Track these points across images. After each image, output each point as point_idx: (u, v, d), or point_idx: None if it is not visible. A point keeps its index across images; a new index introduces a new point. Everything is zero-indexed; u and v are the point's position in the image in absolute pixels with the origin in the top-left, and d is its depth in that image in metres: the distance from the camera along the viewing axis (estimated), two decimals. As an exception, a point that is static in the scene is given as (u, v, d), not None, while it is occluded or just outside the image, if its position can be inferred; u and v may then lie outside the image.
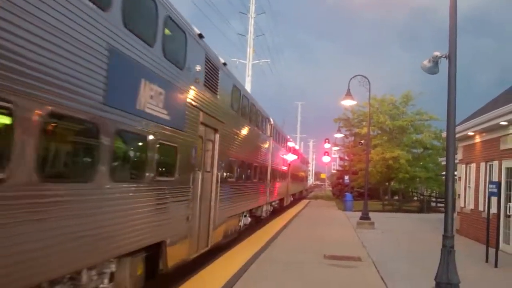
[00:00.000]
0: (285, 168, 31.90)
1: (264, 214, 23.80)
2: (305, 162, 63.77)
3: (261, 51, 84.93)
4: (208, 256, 13.73)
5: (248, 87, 39.15)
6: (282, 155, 30.32)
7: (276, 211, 29.37)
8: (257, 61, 46.69)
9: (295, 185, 43.32)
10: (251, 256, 13.26)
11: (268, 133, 23.22)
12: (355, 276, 11.51)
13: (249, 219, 19.69)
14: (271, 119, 24.03)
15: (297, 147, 49.39)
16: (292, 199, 40.50)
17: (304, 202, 48.66)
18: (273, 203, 27.70)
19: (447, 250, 8.26)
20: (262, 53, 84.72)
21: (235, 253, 13.81)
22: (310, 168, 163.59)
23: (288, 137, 36.76)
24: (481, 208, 17.86)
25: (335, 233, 20.37)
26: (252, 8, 44.75)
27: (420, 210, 36.72)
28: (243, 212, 18.10)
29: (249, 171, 18.85)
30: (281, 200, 31.88)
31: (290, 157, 34.12)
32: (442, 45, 9.37)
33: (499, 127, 16.33)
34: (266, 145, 23.10)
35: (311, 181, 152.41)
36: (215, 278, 10.31)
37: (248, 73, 43.91)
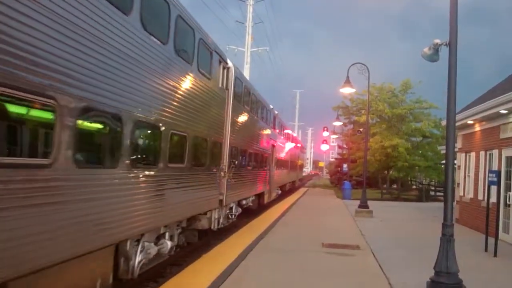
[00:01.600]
0: (266, 151, 24.26)
1: (212, 226, 14.09)
2: (298, 147, 52.00)
3: (260, 38, 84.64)
4: (207, 242, 13.72)
5: (246, 74, 38.96)
6: (259, 132, 22.42)
7: (250, 213, 21.29)
8: (256, 49, 46.54)
9: (284, 174, 35.64)
10: (249, 244, 13.24)
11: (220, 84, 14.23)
12: (353, 264, 11.49)
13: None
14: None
15: (289, 130, 42.37)
16: (279, 192, 33.27)
17: (301, 190, 48.68)
18: (242, 202, 18.69)
19: (447, 239, 8.19)
20: (260, 41, 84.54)
21: (231, 242, 13.78)
22: (307, 156, 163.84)
23: (272, 107, 27.29)
24: (480, 197, 17.81)
25: (333, 222, 20.36)
26: (251, -5, 44.47)
27: (419, 199, 36.75)
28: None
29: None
30: (260, 195, 23.70)
31: (273, 137, 27.11)
32: (440, 35, 9.25)
33: (499, 116, 16.24)
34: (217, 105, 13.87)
35: (309, 169, 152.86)
36: (212, 266, 10.27)
37: (246, 60, 43.74)
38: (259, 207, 23.63)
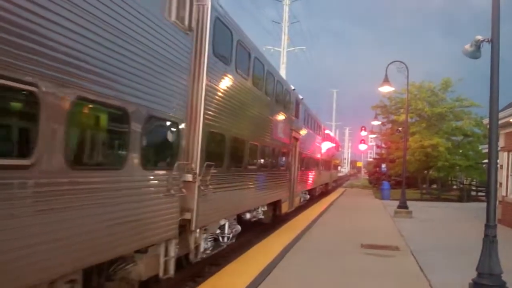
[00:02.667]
0: (284, 145, 18.68)
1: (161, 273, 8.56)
2: (332, 143, 44.32)
3: (296, 38, 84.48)
4: (243, 243, 13.76)
5: (283, 74, 38.95)
6: (271, 117, 16.52)
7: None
8: (292, 48, 46.52)
9: (313, 176, 29.47)
10: (287, 244, 13.24)
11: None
12: (393, 265, 11.37)
13: None
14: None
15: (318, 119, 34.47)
16: (307, 197, 27.47)
17: (339, 191, 48.37)
18: (244, 215, 14.00)
19: (490, 240, 8.03)
20: (297, 40, 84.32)
21: (270, 242, 13.79)
22: (345, 156, 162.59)
23: (294, 88, 21.14)
24: (523, 197, 17.41)
25: (372, 222, 20.18)
26: (287, -6, 44.47)
27: (459, 199, 36.06)
28: None
29: None
30: (276, 204, 18.17)
31: (295, 128, 21.30)
32: (482, 31, 9.08)
33: (543, 114, 15.83)
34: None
35: (347, 169, 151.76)
36: (249, 266, 10.30)
37: (282, 60, 43.78)
38: (274, 219, 18.44)
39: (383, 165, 46.46)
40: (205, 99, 9.69)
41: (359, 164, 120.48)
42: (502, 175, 20.76)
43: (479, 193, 39.10)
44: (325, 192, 39.12)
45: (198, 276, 10.88)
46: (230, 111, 11.35)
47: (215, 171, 10.03)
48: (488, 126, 8.85)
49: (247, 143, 13.09)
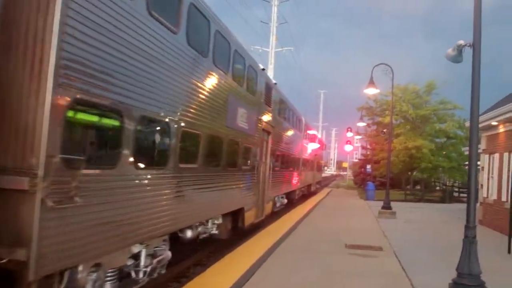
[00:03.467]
0: (247, 137, 14.53)
1: None
2: (315, 141, 38.95)
3: (284, 39, 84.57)
4: (228, 244, 13.83)
5: (271, 75, 39.04)
6: (224, 96, 11.84)
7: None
8: (280, 49, 46.58)
9: (291, 177, 25.71)
10: (272, 245, 13.32)
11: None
12: (376, 265, 11.50)
13: None
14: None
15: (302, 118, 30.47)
16: (284, 201, 23.86)
17: (325, 191, 48.55)
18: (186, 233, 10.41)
19: (469, 241, 8.20)
20: (285, 41, 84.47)
21: (254, 242, 13.87)
22: (331, 157, 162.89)
23: (263, 68, 17.87)
24: (504, 198, 17.67)
25: (356, 223, 20.34)
26: (275, -5, 44.54)
27: (442, 200, 36.44)
28: None
29: None
30: (237, 214, 14.33)
31: (266, 119, 17.34)
32: (467, 35, 9.24)
33: (524, 117, 16.09)
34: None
35: (333, 169, 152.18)
36: (234, 266, 10.38)
37: (270, 61, 43.84)
38: (236, 232, 14.82)
39: (368, 166, 46.72)
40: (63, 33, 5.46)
41: (345, 164, 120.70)
42: (483, 177, 21.06)
43: (461, 194, 39.51)
44: (307, 195, 35.44)
45: (182, 277, 10.94)
46: (127, 65, 6.92)
47: (96, 171, 6.36)
48: (469, 129, 9.03)
49: (176, 128, 8.87)
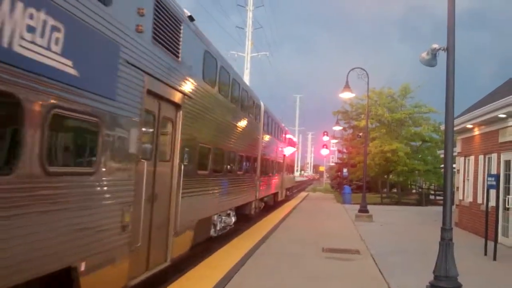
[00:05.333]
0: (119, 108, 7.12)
1: None
2: (280, 136, 31.50)
3: (260, 44, 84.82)
4: (206, 249, 13.72)
5: (246, 79, 39.07)
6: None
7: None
8: (256, 54, 46.68)
9: (239, 185, 17.93)
10: (249, 249, 13.26)
11: None
12: (353, 269, 11.51)
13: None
14: None
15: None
16: (232, 221, 16.66)
17: (302, 195, 48.61)
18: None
19: (446, 243, 8.23)
20: (261, 46, 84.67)
21: (232, 246, 13.79)
22: (307, 161, 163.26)
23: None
24: (479, 200, 17.85)
25: (333, 226, 20.37)
26: (251, 0, 44.65)
27: (419, 203, 36.77)
28: None
29: None
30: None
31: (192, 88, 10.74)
32: (442, 39, 9.32)
33: (498, 120, 16.28)
34: None
35: (309, 172, 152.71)
36: (212, 271, 10.29)
37: (246, 66, 43.93)
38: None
39: (345, 170, 46.95)
40: None
41: (322, 168, 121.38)
42: (458, 180, 21.26)
43: (438, 197, 39.92)
44: (272, 206, 28.57)
45: (160, 282, 10.79)
46: None
47: None
48: (444, 132, 9.08)
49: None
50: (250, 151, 19.90)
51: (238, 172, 17.38)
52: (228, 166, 15.69)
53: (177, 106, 9.92)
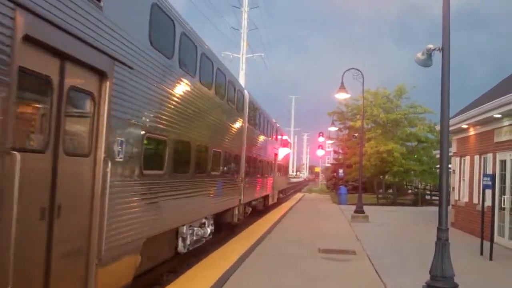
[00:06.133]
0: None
1: None
2: (271, 134, 29.22)
3: (255, 45, 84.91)
4: (202, 249, 13.71)
5: (242, 80, 39.07)
6: None
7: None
8: (251, 55, 46.71)
9: (218, 189, 15.12)
10: (246, 250, 13.24)
11: None
12: (350, 269, 11.51)
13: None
14: None
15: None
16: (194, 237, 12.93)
17: (298, 196, 48.61)
18: None
19: (442, 243, 8.23)
20: (256, 47, 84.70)
21: (229, 247, 13.77)
22: (303, 162, 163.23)
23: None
24: (475, 201, 17.87)
25: (329, 227, 20.36)
26: (246, 1, 44.67)
27: (414, 203, 36.83)
28: None
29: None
30: None
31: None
32: (436, 40, 9.33)
33: (493, 120, 16.31)
34: None
35: (305, 174, 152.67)
36: (209, 273, 10.26)
37: (242, 67, 43.92)
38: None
39: (340, 170, 46.97)
40: None
41: (317, 169, 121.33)
42: (454, 180, 21.28)
43: (433, 197, 39.97)
44: (263, 210, 26.60)
45: (154, 284, 10.79)
46: None
47: None
48: (439, 132, 9.09)
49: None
50: (230, 147, 16.58)
51: (214, 173, 14.22)
52: (199, 165, 12.48)
53: (101, 75, 7.00)
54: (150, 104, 8.93)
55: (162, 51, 9.38)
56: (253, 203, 23.43)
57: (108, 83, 7.04)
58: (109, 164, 7.06)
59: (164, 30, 9.89)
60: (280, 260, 12.19)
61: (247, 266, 11.24)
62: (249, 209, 22.41)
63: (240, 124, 18.31)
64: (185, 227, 11.66)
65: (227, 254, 12.63)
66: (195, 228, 12.64)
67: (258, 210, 25.24)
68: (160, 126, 9.46)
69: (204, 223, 13.56)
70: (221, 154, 15.12)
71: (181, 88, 10.73)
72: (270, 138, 28.27)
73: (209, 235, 13.77)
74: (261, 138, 24.69)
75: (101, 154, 6.99)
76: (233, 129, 17.15)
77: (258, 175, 23.94)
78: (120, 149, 7.56)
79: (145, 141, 8.67)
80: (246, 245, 14.12)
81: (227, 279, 9.80)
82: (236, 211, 18.45)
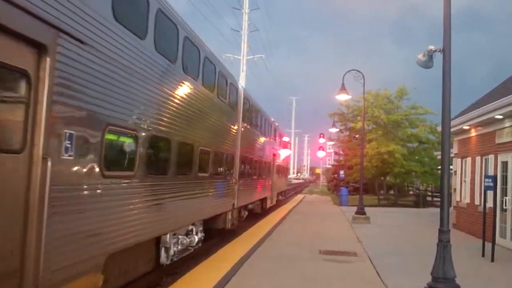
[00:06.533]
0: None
1: None
2: (268, 130, 27.17)
3: (256, 46, 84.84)
4: (203, 250, 13.68)
5: (242, 82, 39.07)
6: None
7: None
8: (252, 57, 46.74)
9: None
10: (247, 251, 13.22)
11: None
12: (351, 271, 11.47)
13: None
14: None
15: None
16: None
17: (299, 197, 48.56)
18: None
19: (443, 245, 8.20)
20: (256, 49, 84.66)
21: (229, 249, 13.74)
22: (304, 163, 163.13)
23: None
24: (477, 202, 17.83)
25: (330, 228, 20.34)
26: (246, 3, 44.71)
27: (416, 205, 36.75)
28: None
29: None
30: None
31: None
32: (436, 41, 9.32)
33: (494, 121, 16.28)
34: None
35: (306, 175, 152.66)
36: (209, 274, 10.23)
37: (242, 68, 43.98)
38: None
39: (341, 172, 46.90)
40: None
41: (318, 170, 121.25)
42: (456, 181, 21.24)
43: (435, 199, 39.91)
44: (261, 214, 25.37)
45: (155, 286, 10.75)
46: None
47: None
48: (441, 134, 9.06)
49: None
50: (221, 146, 15.06)
51: (201, 174, 12.61)
52: (182, 165, 11.01)
53: (40, 49, 5.52)
54: (115, 90, 7.39)
55: (131, 28, 7.94)
56: (250, 206, 22.17)
57: (49, 59, 5.53)
58: (49, 164, 5.53)
59: (133, 3, 8.53)
60: (281, 261, 12.18)
61: (247, 268, 11.21)
62: (245, 213, 21.06)
63: (234, 122, 16.88)
64: (168, 236, 10.25)
65: (228, 255, 12.60)
66: (180, 237, 11.22)
67: (255, 213, 24.04)
68: (128, 117, 7.87)
69: (192, 230, 12.25)
70: (210, 154, 13.51)
71: (157, 74, 9.18)
72: (268, 138, 26.81)
73: (198, 243, 12.50)
74: (258, 137, 23.39)
75: (39, 150, 5.46)
76: (226, 126, 15.73)
77: (255, 177, 22.40)
78: (68, 145, 6.05)
79: (107, 136, 7.14)
80: (248, 245, 14.12)
81: (227, 281, 9.78)
82: (229, 216, 16.86)
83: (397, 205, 36.79)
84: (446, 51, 8.74)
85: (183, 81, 10.77)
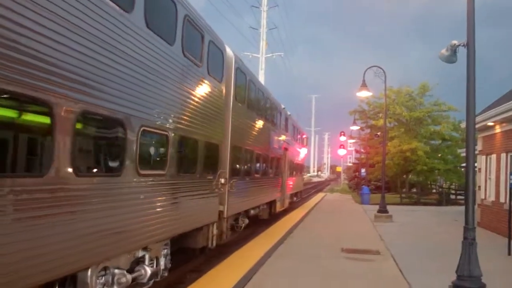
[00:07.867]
0: None
1: None
2: (281, 124, 23.87)
3: (274, 44, 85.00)
4: (223, 249, 13.67)
5: (261, 80, 39.03)
6: None
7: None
8: (270, 55, 46.63)
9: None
10: (268, 249, 13.20)
11: None
12: (374, 269, 11.37)
13: None
14: None
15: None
16: None
17: (320, 195, 48.40)
18: None
19: (469, 242, 8.08)
20: (275, 47, 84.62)
21: (251, 247, 13.73)
22: (325, 161, 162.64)
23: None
24: (502, 200, 17.56)
25: (352, 227, 20.23)
26: (265, 1, 44.65)
27: (439, 203, 36.31)
28: None
29: None
30: None
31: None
32: (457, 37, 9.18)
33: (520, 117, 16.03)
34: None
35: (326, 174, 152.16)
36: (232, 272, 10.22)
37: (261, 66, 43.89)
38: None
39: (363, 170, 46.63)
40: None
41: (339, 169, 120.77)
42: (480, 179, 20.96)
43: (458, 197, 39.43)
44: (267, 220, 20.99)
45: (178, 283, 10.77)
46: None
47: None
48: (465, 130, 8.92)
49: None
50: (195, 130, 10.45)
51: (153, 171, 8.46)
52: (108, 158, 7.30)
53: None
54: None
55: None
56: (252, 212, 17.83)
57: None
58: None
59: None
60: (303, 259, 12.12)
61: (270, 266, 11.19)
62: (245, 221, 16.50)
63: (219, 98, 12.20)
64: (89, 272, 6.50)
65: (250, 253, 12.59)
66: (116, 271, 7.31)
67: (262, 219, 20.45)
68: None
69: (143, 259, 8.37)
70: (169, 140, 8.91)
71: (99, 25, 6.32)
72: (277, 129, 22.41)
73: (153, 276, 8.47)
74: (262, 125, 18.47)
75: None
76: (209, 107, 11.29)
77: (257, 175, 18.03)
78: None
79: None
80: (269, 244, 14.10)
81: (249, 278, 9.77)
82: (213, 230, 12.34)
83: (419, 204, 36.40)
84: (470, 45, 8.60)
85: (137, 35, 7.44)
